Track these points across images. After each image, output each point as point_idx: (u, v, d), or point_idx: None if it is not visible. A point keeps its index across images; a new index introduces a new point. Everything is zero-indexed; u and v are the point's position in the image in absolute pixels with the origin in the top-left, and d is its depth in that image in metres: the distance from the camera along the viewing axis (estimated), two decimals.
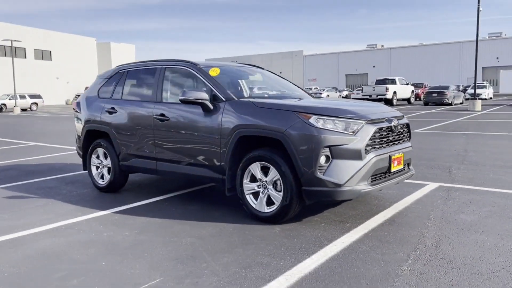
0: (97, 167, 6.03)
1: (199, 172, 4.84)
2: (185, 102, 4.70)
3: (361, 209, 4.65)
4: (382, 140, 4.23)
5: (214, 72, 5.06)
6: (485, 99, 37.97)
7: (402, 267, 3.12)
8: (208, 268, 3.22)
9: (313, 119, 3.98)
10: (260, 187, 4.31)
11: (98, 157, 6.01)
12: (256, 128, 4.26)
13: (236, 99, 4.62)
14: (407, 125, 4.74)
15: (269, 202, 4.28)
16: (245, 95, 5.16)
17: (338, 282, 2.92)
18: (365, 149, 3.98)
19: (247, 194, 4.40)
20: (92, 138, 6.12)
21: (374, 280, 2.93)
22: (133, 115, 5.47)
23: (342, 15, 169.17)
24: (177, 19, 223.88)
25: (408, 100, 33.75)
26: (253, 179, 4.39)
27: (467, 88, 44.08)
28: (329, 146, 3.89)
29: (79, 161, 6.85)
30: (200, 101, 4.62)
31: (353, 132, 3.96)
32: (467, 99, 33.07)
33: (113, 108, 5.74)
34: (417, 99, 38.82)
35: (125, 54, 79.70)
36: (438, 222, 4.12)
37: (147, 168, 5.40)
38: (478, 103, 24.26)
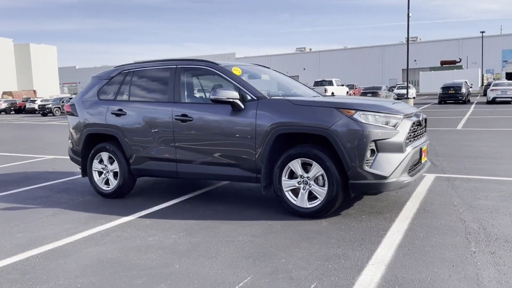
0: (100, 173, 5.75)
1: (229, 172, 4.82)
2: (216, 101, 4.67)
3: (386, 201, 4.90)
4: (414, 134, 4.52)
5: (237, 72, 5.07)
6: (409, 98, 40.76)
7: (470, 249, 3.38)
8: (290, 263, 3.27)
9: (357, 115, 4.15)
10: (301, 183, 4.40)
11: (101, 161, 5.74)
12: (297, 125, 4.35)
13: (268, 97, 4.68)
14: (426, 120, 5.09)
15: (310, 197, 4.39)
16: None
17: (424, 266, 3.11)
18: (405, 142, 4.24)
19: (286, 191, 4.47)
20: (93, 142, 5.83)
21: (455, 261, 3.16)
22: (148, 116, 5.30)
23: (265, 19, 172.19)
24: (99, 19, 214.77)
25: None
26: (291, 175, 4.47)
27: (392, 89, 46.96)
28: (374, 141, 4.09)
29: (51, 168, 6.49)
30: (231, 100, 4.62)
31: (393, 126, 4.20)
32: (396, 99, 35.33)
33: (120, 110, 5.51)
34: None
35: (46, 56, 75.20)
36: (466, 208, 4.48)
37: (166, 171, 5.26)
38: (411, 102, 26.06)
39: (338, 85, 34.38)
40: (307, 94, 5.61)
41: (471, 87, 39.00)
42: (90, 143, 5.84)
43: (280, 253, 3.49)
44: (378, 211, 4.54)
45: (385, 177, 4.09)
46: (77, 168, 8.04)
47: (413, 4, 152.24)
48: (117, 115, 5.52)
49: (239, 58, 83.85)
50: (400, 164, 4.16)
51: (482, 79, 54.78)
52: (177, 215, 4.75)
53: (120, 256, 3.60)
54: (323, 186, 4.28)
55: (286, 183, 4.47)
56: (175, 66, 5.33)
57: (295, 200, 4.44)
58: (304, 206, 4.38)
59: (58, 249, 3.85)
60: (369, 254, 3.36)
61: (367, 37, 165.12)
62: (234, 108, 4.69)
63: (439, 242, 3.56)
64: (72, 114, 6.06)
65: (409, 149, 4.28)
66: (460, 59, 57.25)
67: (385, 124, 4.18)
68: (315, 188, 4.32)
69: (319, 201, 4.30)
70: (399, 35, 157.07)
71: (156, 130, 5.22)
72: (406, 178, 4.24)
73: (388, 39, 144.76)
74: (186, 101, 5.20)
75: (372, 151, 4.11)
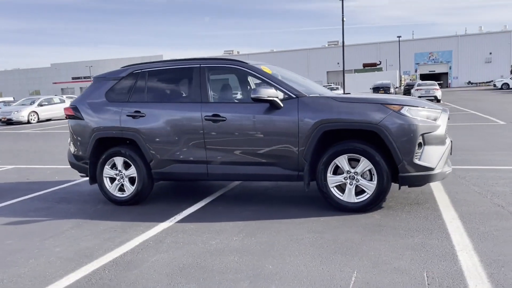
0: (112, 179, 5.41)
1: (266, 171, 4.78)
2: (256, 100, 4.62)
3: (412, 192, 5.14)
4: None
5: (268, 70, 5.05)
6: None
7: None
8: (382, 255, 3.34)
9: (404, 110, 4.33)
10: (347, 179, 4.50)
11: (113, 167, 5.40)
12: (346, 122, 4.43)
13: (307, 95, 4.71)
14: None
15: (356, 192, 4.49)
16: None
17: (509, 247, 3.35)
18: (445, 135, 4.50)
19: (331, 187, 4.54)
20: (103, 146, 5.46)
21: None
22: (172, 117, 5.08)
23: (189, 21, 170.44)
24: (9, 20, 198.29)
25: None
26: (335, 171, 4.55)
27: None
28: (422, 134, 4.30)
29: (25, 179, 5.99)
30: (271, 99, 4.60)
31: (435, 119, 4.44)
32: None
33: (137, 111, 5.23)
34: None
35: None
36: (494, 196, 4.79)
37: (195, 173, 5.08)
38: None
39: None
40: (323, 90, 5.70)
41: (397, 88, 41.69)
42: (100, 148, 5.47)
43: (361, 246, 3.55)
44: (413, 202, 4.76)
45: (432, 169, 4.32)
46: (55, 177, 7.51)
47: (327, 9, 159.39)
48: (134, 117, 5.23)
49: None
50: (442, 155, 4.42)
51: (400, 80, 58.75)
52: (216, 217, 4.62)
53: (198, 261, 3.44)
54: (371, 180, 4.41)
55: (332, 179, 4.53)
56: (198, 65, 5.17)
57: (341, 196, 4.52)
58: (352, 201, 4.48)
59: (120, 259, 3.59)
60: (448, 242, 3.54)
61: (292, 41, 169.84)
62: (273, 106, 4.67)
63: (501, 226, 3.83)
64: (75, 118, 5.63)
65: (448, 141, 4.56)
66: (380, 62, 60.93)
67: (428, 118, 4.41)
68: (363, 182, 4.43)
69: (368, 195, 4.42)
70: (322, 39, 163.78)
71: (183, 131, 5.03)
72: (447, 169, 4.51)
73: (313, 43, 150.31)
74: (215, 100, 5.07)
75: (420, 144, 4.31)
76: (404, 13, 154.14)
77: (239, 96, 5.74)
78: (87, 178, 5.65)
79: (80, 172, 5.83)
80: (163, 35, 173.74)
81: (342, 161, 4.47)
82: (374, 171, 4.36)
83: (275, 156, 4.70)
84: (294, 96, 4.69)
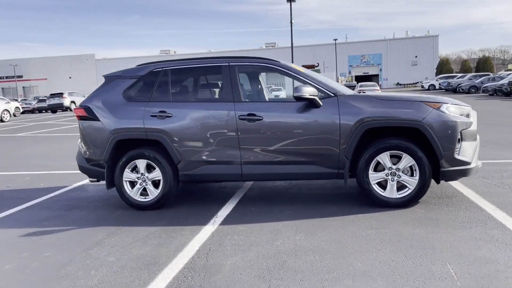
0: (132, 183, 5.13)
1: (305, 170, 4.77)
2: (299, 99, 4.60)
3: (432, 187, 5.36)
4: None
5: (300, 69, 5.05)
6: None
7: None
8: (461, 247, 3.45)
9: (443, 108, 4.53)
10: (388, 175, 4.61)
11: (134, 170, 5.12)
12: (389, 119, 4.54)
13: (345, 94, 4.77)
14: None
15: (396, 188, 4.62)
16: None
17: None
18: (476, 131, 4.77)
19: (373, 184, 4.64)
20: (122, 149, 5.16)
21: None
22: (203, 117, 4.91)
23: (117, 20, 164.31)
24: None
25: None
26: (375, 168, 4.65)
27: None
28: (461, 130, 4.52)
29: (5, 187, 5.60)
30: (312, 97, 4.61)
31: (467, 116, 4.68)
32: None
33: (163, 111, 5.00)
34: None
35: None
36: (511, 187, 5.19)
37: (228, 174, 4.94)
38: None
39: None
40: (347, 89, 5.75)
41: None
42: (118, 151, 5.16)
43: (431, 239, 3.66)
44: (442, 196, 4.98)
45: (469, 163, 4.55)
46: (39, 183, 6.97)
47: (263, 12, 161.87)
48: (160, 117, 4.99)
49: (99, 60, 78.97)
50: (475, 150, 4.68)
51: (337, 81, 61.01)
52: (258, 218, 4.53)
53: (281, 262, 3.35)
54: (412, 176, 4.56)
55: (374, 176, 4.63)
56: (227, 64, 5.04)
57: (382, 192, 4.63)
58: (394, 196, 4.60)
59: (192, 265, 3.41)
60: (509, 231, 3.76)
61: (230, 42, 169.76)
62: (312, 105, 4.68)
63: None
64: (88, 119, 5.25)
65: (478, 137, 4.83)
66: (318, 64, 62.80)
67: (462, 115, 4.64)
68: (405, 178, 4.57)
69: (410, 191, 4.56)
70: (260, 41, 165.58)
71: (215, 131, 4.88)
72: (479, 163, 4.77)
73: (250, 45, 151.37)
74: (248, 100, 4.98)
75: (458, 140, 4.53)
76: (334, 17, 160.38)
77: (271, 95, 5.68)
78: (82, 183, 5.33)
79: (90, 177, 5.46)
80: (93, 33, 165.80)
81: (384, 158, 4.58)
82: (416, 167, 4.51)
83: (314, 155, 4.71)
84: (332, 95, 4.73)
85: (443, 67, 59.40)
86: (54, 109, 36.71)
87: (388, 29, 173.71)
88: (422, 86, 52.36)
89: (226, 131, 4.85)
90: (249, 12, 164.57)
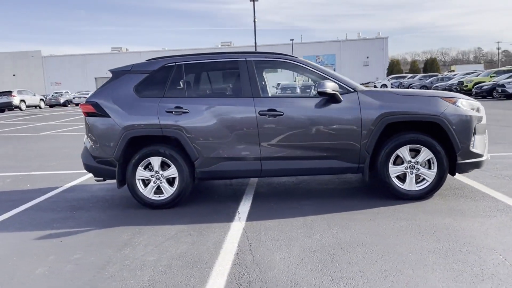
0: (145, 181, 4.97)
1: (326, 164, 4.81)
2: (322, 94, 4.64)
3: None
4: None
5: (318, 65, 5.09)
6: None
7: None
8: (500, 236, 3.61)
9: (458, 103, 4.72)
10: (407, 168, 4.75)
11: (147, 168, 4.96)
12: (410, 114, 4.66)
13: (364, 89, 4.86)
14: None
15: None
16: None
17: None
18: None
19: (393, 177, 4.75)
20: (135, 146, 4.98)
21: None
22: (222, 113, 4.83)
23: (61, 15, 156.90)
24: None
25: None
26: (394, 162, 4.77)
27: None
28: (475, 124, 4.73)
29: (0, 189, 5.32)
30: (334, 92, 4.66)
31: (478, 110, 4.89)
32: None
33: (179, 107, 4.87)
34: None
35: None
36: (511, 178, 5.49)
37: (247, 170, 4.89)
38: None
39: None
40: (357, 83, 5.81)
41: None
42: (130, 148, 4.98)
43: (466, 229, 3.80)
44: (452, 187, 5.19)
45: (482, 156, 4.77)
46: (26, 185, 6.59)
47: (217, 10, 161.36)
48: (177, 113, 4.86)
49: (46, 57, 75.46)
50: (486, 143, 4.91)
51: (295, 81, 61.85)
52: (281, 213, 4.52)
53: (335, 254, 3.37)
54: (430, 168, 4.72)
55: (394, 169, 4.74)
56: (244, 59, 4.99)
57: (401, 185, 4.76)
58: (413, 189, 4.74)
59: (241, 261, 3.35)
60: None
61: (184, 40, 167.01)
62: (333, 100, 4.73)
63: None
64: (98, 115, 5.02)
65: (487, 131, 5.07)
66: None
67: (473, 109, 4.85)
68: (424, 171, 4.71)
69: (428, 183, 4.72)
70: (214, 39, 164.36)
71: (234, 127, 4.81)
72: (489, 156, 5.01)
73: (205, 43, 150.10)
74: (268, 95, 4.95)
75: (473, 133, 4.74)
76: (285, 18, 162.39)
77: (290, 90, 5.68)
78: (75, 183, 5.13)
79: (97, 176, 5.22)
80: (38, 30, 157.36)
81: (404, 151, 4.70)
82: (434, 160, 4.67)
83: (335, 150, 4.76)
84: (352, 90, 4.80)
85: (394, 67, 61.72)
86: (2, 108, 34.68)
87: (337, 31, 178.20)
88: (375, 86, 54.14)
89: (245, 126, 4.80)
90: (201, 10, 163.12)
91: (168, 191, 4.94)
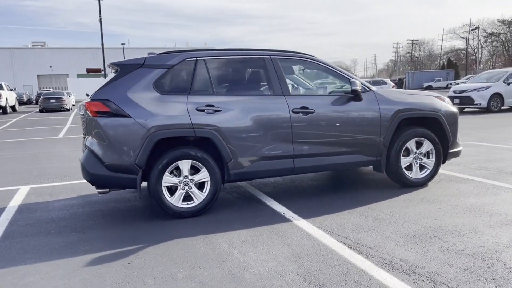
0: (170, 188, 4.47)
1: (350, 159, 5.06)
2: (354, 92, 4.91)
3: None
4: None
5: (334, 65, 5.32)
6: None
7: None
8: None
9: (446, 101, 5.53)
10: (414, 159, 5.34)
11: (175, 173, 4.47)
12: (418, 110, 5.25)
13: (376, 89, 5.28)
14: None
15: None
16: None
17: None
18: None
19: (403, 168, 5.29)
20: (160, 149, 4.43)
21: None
22: (256, 111, 4.65)
23: None
24: None
25: None
26: (403, 154, 5.30)
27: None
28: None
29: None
30: (359, 90, 4.99)
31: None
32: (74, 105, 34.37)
33: (210, 105, 4.53)
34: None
35: None
36: (485, 166, 6.53)
37: (280, 169, 4.80)
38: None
39: (8, 90, 29.84)
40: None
41: None
42: (156, 151, 4.41)
43: (489, 206, 4.55)
44: (440, 179, 5.97)
45: (460, 146, 5.69)
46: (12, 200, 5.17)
47: (27, 7, 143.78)
48: (208, 112, 4.50)
49: None
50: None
51: None
52: (328, 209, 4.61)
53: (446, 232, 3.68)
54: (429, 158, 5.40)
55: (404, 161, 5.28)
56: (269, 57, 4.92)
57: (410, 174, 5.34)
58: (418, 177, 5.36)
59: (342, 258, 3.42)
60: None
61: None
62: (356, 98, 5.03)
63: None
64: (113, 115, 4.30)
65: None
66: (105, 68, 59.94)
67: (454, 107, 5.73)
68: (426, 161, 5.38)
69: (429, 171, 5.39)
70: (27, 39, 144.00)
71: (269, 125, 4.70)
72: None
73: (15, 42, 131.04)
74: (297, 93, 4.98)
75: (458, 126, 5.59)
76: (92, 20, 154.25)
77: (313, 88, 5.69)
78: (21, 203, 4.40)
79: (103, 187, 4.47)
80: None
81: (412, 144, 5.29)
82: (433, 151, 5.36)
83: (359, 145, 5.07)
84: (368, 89, 5.19)
85: None
86: None
87: (153, 39, 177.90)
88: None
89: (280, 125, 4.74)
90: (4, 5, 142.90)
91: (199, 197, 4.54)
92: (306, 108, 4.83)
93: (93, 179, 4.42)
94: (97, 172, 4.36)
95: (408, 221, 4.13)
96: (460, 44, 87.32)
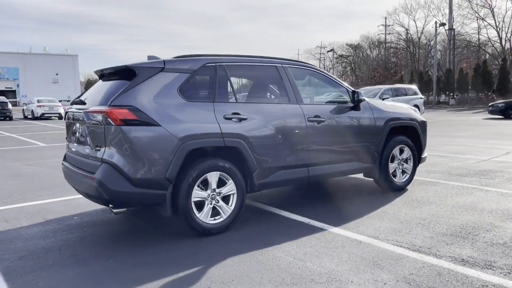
0: (199, 203, 4.11)
1: (352, 167, 5.24)
2: (359, 102, 5.12)
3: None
4: None
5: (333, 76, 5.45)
6: None
7: None
8: None
9: (417, 111, 6.09)
10: (398, 165, 5.73)
11: (201, 186, 4.12)
12: (403, 120, 5.66)
13: (367, 99, 5.56)
14: None
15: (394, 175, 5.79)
16: None
17: None
18: None
19: (391, 173, 5.64)
20: (189, 161, 4.04)
21: None
22: (277, 119, 4.53)
23: None
24: None
25: None
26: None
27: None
28: None
29: None
30: (363, 100, 5.25)
31: None
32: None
33: (236, 113, 4.28)
34: None
35: None
36: (460, 171, 7.24)
37: (297, 178, 4.72)
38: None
39: None
40: None
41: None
42: (187, 163, 4.00)
43: (499, 198, 5.16)
44: (420, 182, 6.50)
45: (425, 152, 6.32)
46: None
47: None
48: (235, 120, 4.26)
49: None
50: None
51: None
52: (348, 216, 4.74)
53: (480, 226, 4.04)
54: (408, 164, 5.86)
55: (391, 166, 5.64)
56: (281, 65, 4.85)
57: (395, 178, 5.71)
58: (401, 181, 5.76)
59: (401, 263, 3.60)
60: None
61: None
62: (355, 108, 5.25)
63: None
64: (140, 124, 3.78)
65: None
66: None
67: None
68: (407, 166, 5.82)
69: (408, 175, 5.84)
70: None
71: (289, 134, 4.62)
72: None
73: None
74: (307, 102, 4.98)
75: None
76: None
77: (321, 97, 5.67)
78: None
79: (123, 207, 3.90)
80: None
81: (397, 151, 5.69)
82: (411, 157, 5.85)
83: (359, 152, 5.27)
84: (362, 99, 5.45)
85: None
86: None
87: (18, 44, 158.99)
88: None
89: (298, 133, 4.70)
90: None
91: (227, 211, 4.24)
92: (319, 116, 4.88)
93: (114, 197, 3.79)
94: (120, 189, 3.76)
95: (432, 222, 4.44)
96: (315, 64, 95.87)
